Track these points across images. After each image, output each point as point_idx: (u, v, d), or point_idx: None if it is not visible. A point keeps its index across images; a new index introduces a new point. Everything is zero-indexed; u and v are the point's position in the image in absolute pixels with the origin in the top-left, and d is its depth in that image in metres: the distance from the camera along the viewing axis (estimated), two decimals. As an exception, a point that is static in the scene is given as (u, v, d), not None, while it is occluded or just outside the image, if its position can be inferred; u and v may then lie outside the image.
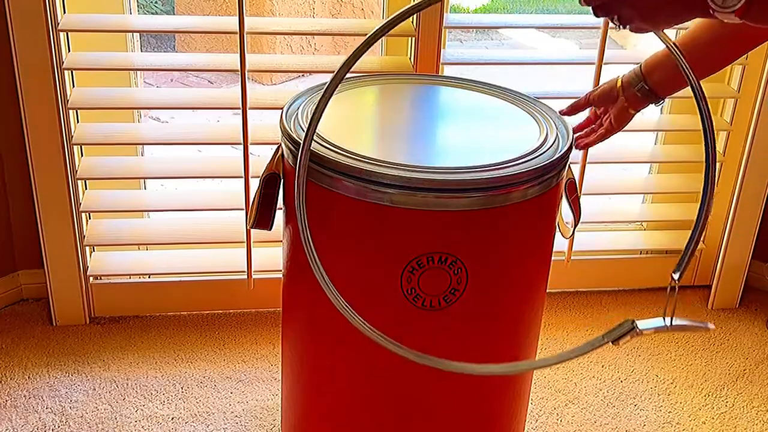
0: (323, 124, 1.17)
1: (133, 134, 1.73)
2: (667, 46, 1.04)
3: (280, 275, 1.31)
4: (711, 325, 0.98)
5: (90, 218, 1.79)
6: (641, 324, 0.95)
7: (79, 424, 1.53)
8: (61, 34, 1.59)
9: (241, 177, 1.69)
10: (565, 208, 1.28)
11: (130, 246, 1.85)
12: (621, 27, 0.93)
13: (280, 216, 1.26)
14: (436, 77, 1.42)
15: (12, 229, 1.79)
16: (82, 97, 1.64)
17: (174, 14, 4.12)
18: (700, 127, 1.05)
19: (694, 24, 1.14)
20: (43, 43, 1.54)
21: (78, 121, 1.70)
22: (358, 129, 1.20)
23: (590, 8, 0.92)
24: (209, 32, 1.71)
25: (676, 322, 0.96)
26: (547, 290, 1.31)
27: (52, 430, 1.52)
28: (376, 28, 0.92)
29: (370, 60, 1.73)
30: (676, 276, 1.01)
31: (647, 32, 0.95)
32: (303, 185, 1.00)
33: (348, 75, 1.38)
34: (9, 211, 1.77)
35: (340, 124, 1.19)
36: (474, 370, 1.05)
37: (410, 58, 1.69)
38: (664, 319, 0.96)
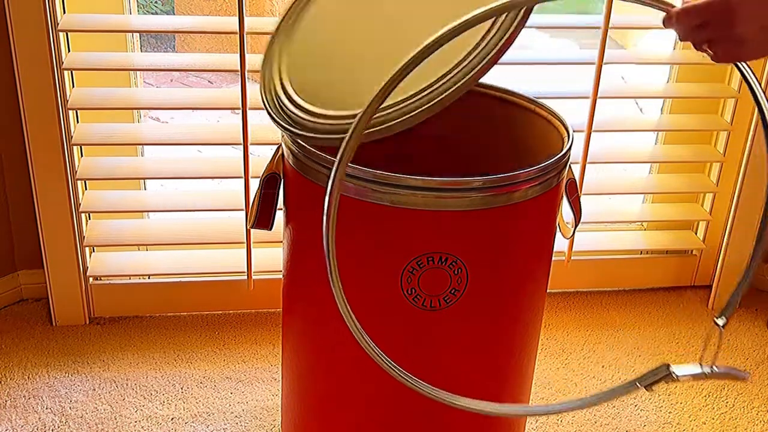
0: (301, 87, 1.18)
1: (133, 134, 1.73)
2: (744, 77, 0.95)
3: (280, 275, 1.31)
4: (747, 375, 0.90)
5: (90, 218, 1.79)
6: (678, 370, 0.88)
7: (79, 424, 1.53)
8: (61, 34, 1.59)
9: (241, 177, 1.69)
10: (565, 208, 1.28)
11: (130, 246, 1.85)
12: (707, 54, 0.83)
13: (280, 216, 1.26)
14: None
15: (12, 229, 1.79)
16: (82, 97, 1.64)
17: (174, 14, 4.12)
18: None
19: None
20: (43, 43, 1.54)
21: (78, 121, 1.70)
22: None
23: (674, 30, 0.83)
24: (209, 32, 1.71)
25: (717, 369, 0.88)
26: (547, 290, 1.31)
27: (52, 430, 1.52)
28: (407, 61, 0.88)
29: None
30: (721, 322, 0.92)
31: (732, 62, 0.86)
32: (332, 229, 0.93)
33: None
34: (9, 211, 1.77)
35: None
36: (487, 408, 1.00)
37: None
38: (701, 365, 0.88)
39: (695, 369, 0.89)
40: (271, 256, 1.81)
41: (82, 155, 1.74)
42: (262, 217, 1.26)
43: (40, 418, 1.54)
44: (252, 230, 1.71)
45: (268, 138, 1.68)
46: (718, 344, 0.89)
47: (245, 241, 1.75)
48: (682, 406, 1.66)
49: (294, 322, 1.29)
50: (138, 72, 1.81)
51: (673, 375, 0.88)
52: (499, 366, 1.25)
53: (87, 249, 1.77)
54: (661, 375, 0.89)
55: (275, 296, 1.81)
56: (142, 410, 1.57)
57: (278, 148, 1.22)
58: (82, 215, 1.74)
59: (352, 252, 1.14)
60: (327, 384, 1.27)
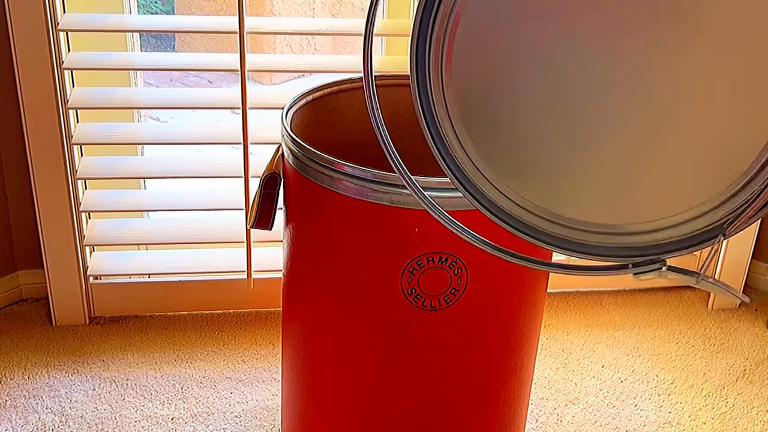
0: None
1: (133, 134, 1.73)
2: None
3: (280, 275, 1.31)
4: (745, 298, 0.86)
5: (90, 218, 1.79)
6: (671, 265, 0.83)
7: (79, 424, 1.53)
8: (61, 34, 1.59)
9: (241, 177, 1.69)
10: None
11: (130, 246, 1.85)
12: None
13: (280, 216, 1.26)
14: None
15: (12, 229, 1.79)
16: (82, 97, 1.64)
17: (174, 14, 4.12)
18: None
19: None
20: (43, 43, 1.54)
21: (78, 121, 1.70)
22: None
23: None
24: (209, 32, 1.71)
25: (711, 279, 0.82)
26: (547, 290, 1.31)
27: (52, 430, 1.52)
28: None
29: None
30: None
31: None
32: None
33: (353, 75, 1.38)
34: (9, 211, 1.77)
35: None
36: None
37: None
38: (699, 272, 0.82)
39: (689, 272, 0.84)
40: (271, 256, 1.81)
41: (82, 155, 1.74)
42: (262, 217, 1.26)
43: (40, 418, 1.54)
44: (252, 230, 1.72)
45: (268, 138, 1.68)
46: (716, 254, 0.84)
47: (245, 240, 1.75)
48: (682, 406, 1.66)
49: (294, 322, 1.29)
50: (138, 72, 1.81)
51: (663, 269, 0.82)
52: (499, 366, 1.25)
53: (87, 248, 1.77)
54: (654, 268, 0.83)
55: (275, 296, 1.82)
56: (142, 410, 1.58)
57: (278, 148, 1.22)
58: (82, 214, 1.74)
59: (353, 252, 1.14)
60: (327, 384, 1.27)
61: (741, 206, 0.76)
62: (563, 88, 0.75)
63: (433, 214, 0.87)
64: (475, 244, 0.87)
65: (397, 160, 0.84)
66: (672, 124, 0.73)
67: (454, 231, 0.87)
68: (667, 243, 0.82)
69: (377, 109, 0.82)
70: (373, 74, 0.82)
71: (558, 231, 0.84)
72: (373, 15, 0.77)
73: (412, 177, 0.86)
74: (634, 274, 0.83)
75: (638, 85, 0.72)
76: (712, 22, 0.68)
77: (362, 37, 0.79)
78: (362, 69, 0.80)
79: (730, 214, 0.77)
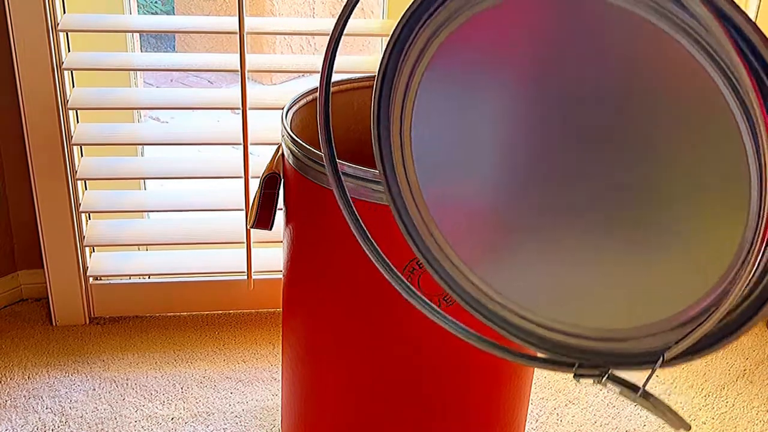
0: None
1: (133, 134, 1.73)
2: None
3: (280, 275, 1.31)
4: (687, 426, 0.82)
5: (90, 218, 1.79)
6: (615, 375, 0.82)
7: (79, 424, 1.53)
8: (61, 34, 1.59)
9: (241, 177, 1.69)
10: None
11: (130, 246, 1.85)
12: None
13: (280, 216, 1.26)
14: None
15: (12, 229, 1.79)
16: (82, 97, 1.64)
17: (174, 14, 4.12)
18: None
19: None
20: (43, 43, 1.54)
21: (78, 121, 1.70)
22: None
23: None
24: (209, 32, 1.71)
25: (654, 400, 0.82)
26: (547, 290, 1.31)
27: (52, 430, 1.52)
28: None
29: (370, 60, 1.73)
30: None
31: None
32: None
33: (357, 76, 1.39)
34: (9, 211, 1.77)
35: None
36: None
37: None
38: (641, 387, 0.82)
39: (630, 387, 0.81)
40: (271, 256, 1.81)
41: (82, 155, 1.74)
42: (262, 217, 1.26)
43: (40, 418, 1.54)
44: (252, 230, 1.72)
45: (268, 138, 1.69)
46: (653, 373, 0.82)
47: (245, 241, 1.75)
48: (682, 406, 1.66)
49: (294, 322, 1.29)
50: (138, 72, 1.81)
51: (603, 378, 0.81)
52: (499, 366, 1.25)
53: (87, 249, 1.77)
54: (595, 374, 0.82)
55: (275, 296, 1.82)
56: (142, 410, 1.58)
57: (278, 148, 1.22)
58: (82, 215, 1.74)
59: (353, 252, 1.14)
60: (327, 384, 1.27)
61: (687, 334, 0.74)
62: (528, 178, 0.73)
63: (338, 200, 0.87)
64: (368, 252, 0.86)
65: (330, 143, 0.84)
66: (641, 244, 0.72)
67: (351, 226, 0.87)
68: (616, 354, 0.82)
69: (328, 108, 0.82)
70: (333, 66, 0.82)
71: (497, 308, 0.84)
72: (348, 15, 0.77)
73: (336, 160, 0.85)
74: (575, 375, 0.80)
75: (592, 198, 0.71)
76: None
77: (328, 36, 0.79)
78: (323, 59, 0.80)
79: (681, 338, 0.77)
